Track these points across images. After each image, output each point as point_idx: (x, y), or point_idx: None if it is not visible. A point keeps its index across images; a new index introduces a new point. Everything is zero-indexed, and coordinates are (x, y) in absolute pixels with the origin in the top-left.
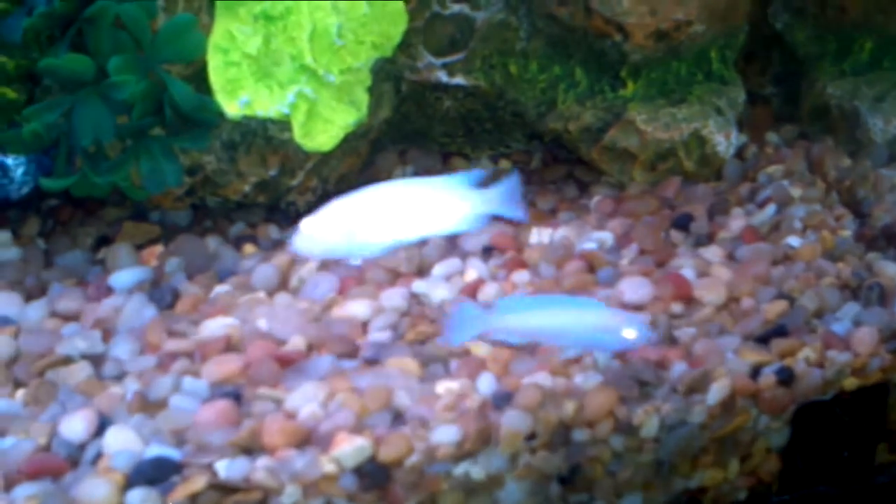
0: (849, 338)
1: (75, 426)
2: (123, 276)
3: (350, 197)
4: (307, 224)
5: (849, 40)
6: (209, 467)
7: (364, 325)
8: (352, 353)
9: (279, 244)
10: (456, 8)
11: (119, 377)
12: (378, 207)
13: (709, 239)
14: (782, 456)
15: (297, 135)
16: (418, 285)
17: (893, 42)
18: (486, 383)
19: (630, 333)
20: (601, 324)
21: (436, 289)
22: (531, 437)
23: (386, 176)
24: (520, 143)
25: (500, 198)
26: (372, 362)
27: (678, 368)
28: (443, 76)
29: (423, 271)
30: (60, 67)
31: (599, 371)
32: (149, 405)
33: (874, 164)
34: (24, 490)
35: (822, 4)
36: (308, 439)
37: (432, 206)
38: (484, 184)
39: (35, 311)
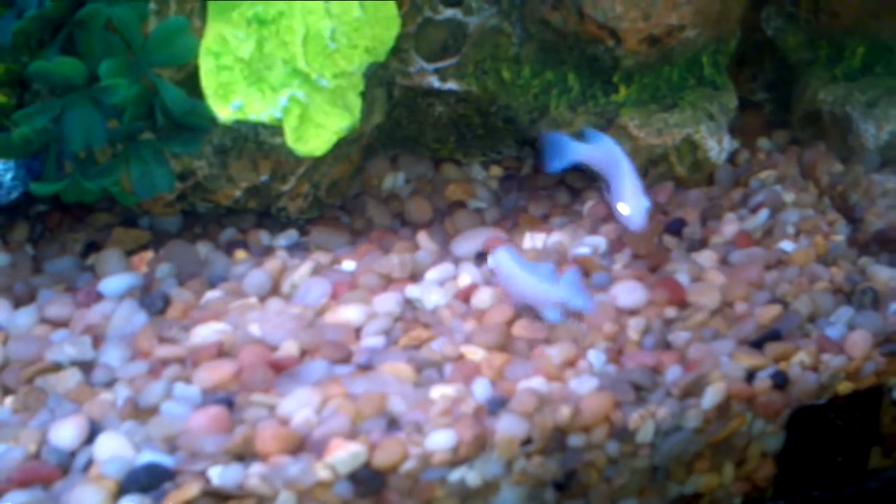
0: (843, 342)
1: (65, 433)
2: (113, 283)
3: None
4: None
5: (841, 46)
6: (202, 474)
7: (357, 331)
8: (345, 358)
9: (270, 250)
10: (448, 13)
11: (109, 384)
12: None
13: (702, 244)
14: (777, 460)
15: (290, 139)
16: (411, 290)
17: (885, 48)
18: (481, 388)
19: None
20: None
21: (429, 294)
22: (527, 442)
23: (377, 182)
24: (511, 149)
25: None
26: (366, 368)
27: (673, 372)
28: (435, 81)
29: (416, 276)
30: (51, 71)
31: (594, 375)
32: (140, 412)
33: (866, 169)
34: (14, 498)
35: (814, 10)
36: (302, 445)
37: None
38: None
39: (24, 318)
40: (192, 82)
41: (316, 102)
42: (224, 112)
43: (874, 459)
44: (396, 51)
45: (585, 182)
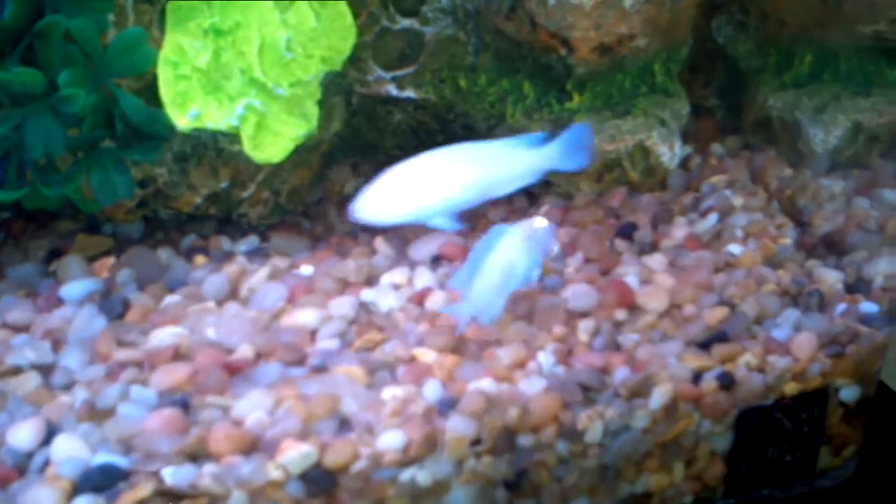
0: (789, 343)
1: (23, 435)
2: (74, 288)
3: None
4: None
5: (789, 53)
6: (155, 474)
7: (312, 334)
8: (300, 360)
9: (230, 255)
10: (405, 23)
11: (68, 386)
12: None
13: (652, 247)
14: (726, 460)
15: (247, 147)
16: (367, 294)
17: (832, 55)
18: (432, 389)
19: None
20: None
21: (384, 297)
22: (476, 442)
23: (339, 189)
24: None
25: (561, 151)
26: (319, 370)
27: (621, 373)
28: (393, 90)
29: (371, 280)
30: (11, 81)
31: (543, 376)
32: (97, 413)
33: (814, 174)
34: None
35: (763, 18)
36: (254, 446)
37: (496, 167)
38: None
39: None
40: (150, 91)
41: (273, 111)
42: (182, 120)
43: (823, 459)
44: (354, 60)
45: (543, 187)
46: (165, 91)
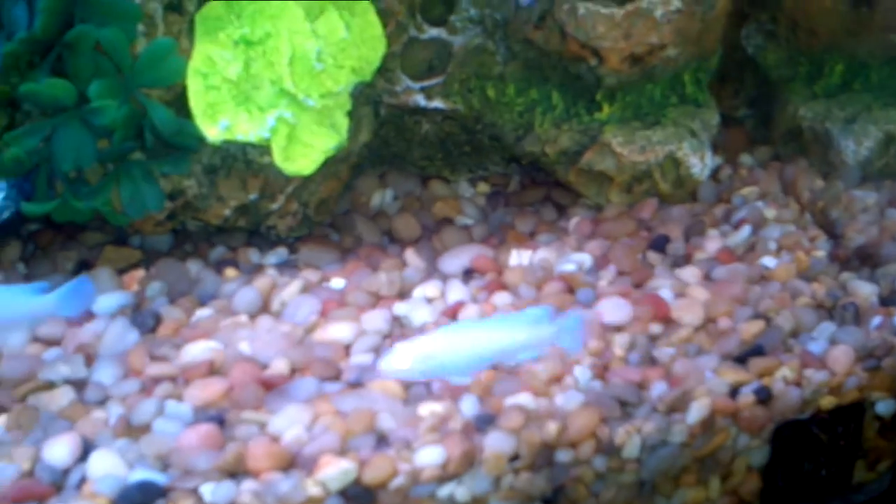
0: (825, 357)
1: (59, 451)
2: (105, 301)
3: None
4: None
5: (820, 63)
6: (195, 491)
7: (346, 348)
8: (335, 375)
9: (260, 268)
10: (433, 32)
11: (102, 402)
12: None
13: (685, 260)
14: (762, 474)
15: (278, 159)
16: (399, 307)
17: (863, 65)
18: (469, 405)
19: None
20: None
21: (417, 311)
22: (514, 458)
23: (366, 200)
24: (498, 165)
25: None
26: (355, 385)
27: (658, 388)
28: (421, 100)
29: (403, 294)
30: (41, 92)
31: (580, 391)
32: (132, 429)
33: (847, 185)
34: None
35: (793, 28)
36: (293, 462)
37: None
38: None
39: (16, 336)
40: (180, 103)
41: (303, 122)
42: (212, 132)
43: (859, 473)
44: (383, 70)
45: (571, 198)
46: (195, 102)
